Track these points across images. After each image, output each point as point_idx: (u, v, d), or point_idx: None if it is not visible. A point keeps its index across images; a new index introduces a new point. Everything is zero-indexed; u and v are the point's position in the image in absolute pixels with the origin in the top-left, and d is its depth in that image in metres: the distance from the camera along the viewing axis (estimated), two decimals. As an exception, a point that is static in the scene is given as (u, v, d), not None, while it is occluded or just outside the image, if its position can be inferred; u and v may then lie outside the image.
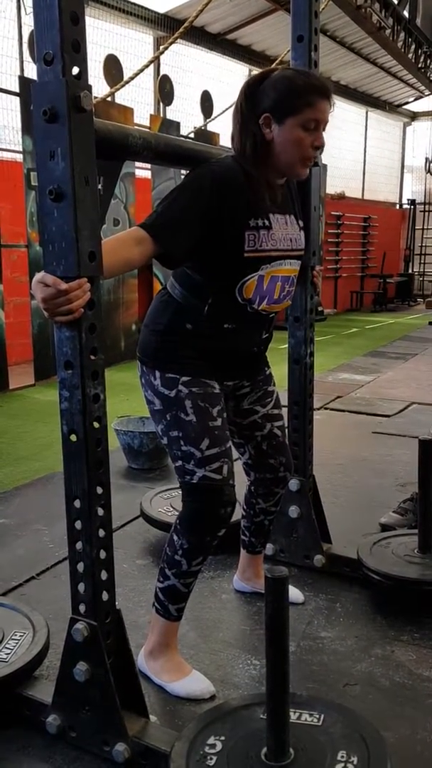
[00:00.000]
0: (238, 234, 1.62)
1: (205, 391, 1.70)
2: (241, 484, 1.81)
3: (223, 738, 1.40)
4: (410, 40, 10.44)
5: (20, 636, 1.81)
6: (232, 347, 1.76)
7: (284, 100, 1.60)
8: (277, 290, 1.72)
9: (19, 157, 6.09)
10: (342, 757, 1.32)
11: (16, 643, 1.78)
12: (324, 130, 1.66)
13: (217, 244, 1.62)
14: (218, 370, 1.75)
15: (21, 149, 5.87)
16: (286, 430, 2.06)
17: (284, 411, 2.07)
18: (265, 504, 2.06)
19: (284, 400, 2.36)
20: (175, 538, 1.70)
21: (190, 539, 1.68)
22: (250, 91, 1.65)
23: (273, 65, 3.62)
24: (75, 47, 1.27)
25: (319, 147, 1.66)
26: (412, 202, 15.57)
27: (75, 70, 1.28)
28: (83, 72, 1.29)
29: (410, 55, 10.68)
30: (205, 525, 1.67)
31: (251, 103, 1.64)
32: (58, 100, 1.26)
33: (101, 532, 1.48)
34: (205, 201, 1.58)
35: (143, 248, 1.54)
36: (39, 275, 1.34)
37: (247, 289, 1.67)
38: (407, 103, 14.99)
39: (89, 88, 1.29)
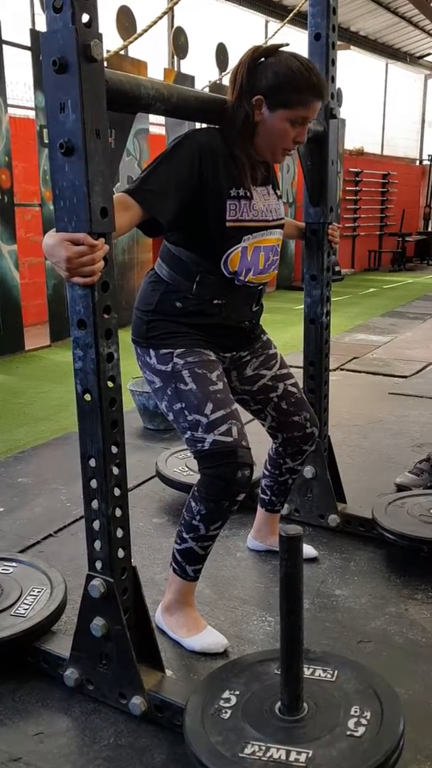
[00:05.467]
0: (220, 203, 1.63)
1: (201, 358, 1.71)
2: (257, 444, 1.81)
3: (237, 692, 1.42)
4: (433, -13, 10.08)
5: (38, 592, 1.84)
6: (222, 323, 1.76)
7: (281, 92, 1.61)
8: (261, 260, 1.74)
9: (32, 114, 5.99)
10: (355, 711, 1.34)
11: (34, 598, 1.81)
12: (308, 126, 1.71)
13: (201, 214, 1.64)
14: (211, 344, 1.76)
15: (33, 106, 5.77)
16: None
17: (299, 371, 2.05)
18: (293, 463, 2.06)
19: (300, 360, 2.35)
20: (193, 504, 1.70)
21: (208, 505, 1.67)
22: (253, 64, 1.64)
23: (291, 15, 3.51)
24: (85, -6, 1.23)
25: (300, 143, 1.71)
26: (433, 158, 15.21)
27: (85, 18, 1.24)
28: (93, 20, 1.25)
29: (433, 4, 10.32)
30: (224, 491, 1.65)
31: (251, 76, 1.63)
32: (67, 49, 1.22)
33: (116, 491, 1.48)
34: (188, 168, 1.59)
35: (131, 214, 1.53)
36: (63, 235, 1.31)
37: (232, 262, 1.68)
38: (429, 54, 14.52)
39: (100, 36, 1.25)
